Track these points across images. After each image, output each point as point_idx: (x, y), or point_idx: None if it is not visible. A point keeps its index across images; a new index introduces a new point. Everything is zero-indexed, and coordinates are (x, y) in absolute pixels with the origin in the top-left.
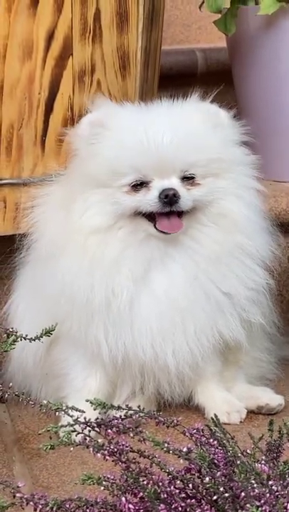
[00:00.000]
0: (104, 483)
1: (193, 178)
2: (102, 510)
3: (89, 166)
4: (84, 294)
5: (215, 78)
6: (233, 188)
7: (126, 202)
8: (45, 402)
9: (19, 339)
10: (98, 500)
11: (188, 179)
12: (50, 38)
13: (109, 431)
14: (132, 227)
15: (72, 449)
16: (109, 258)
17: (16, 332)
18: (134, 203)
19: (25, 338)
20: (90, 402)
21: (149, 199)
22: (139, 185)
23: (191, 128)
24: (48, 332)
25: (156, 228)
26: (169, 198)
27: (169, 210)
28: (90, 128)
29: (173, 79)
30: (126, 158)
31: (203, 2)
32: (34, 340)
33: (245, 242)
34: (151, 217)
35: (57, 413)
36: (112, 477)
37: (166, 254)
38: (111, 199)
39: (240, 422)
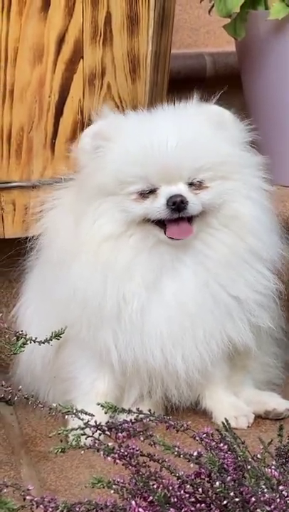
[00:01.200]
0: (114, 486)
1: (200, 182)
2: None
3: (96, 179)
4: (96, 299)
5: (223, 82)
6: (242, 189)
7: (134, 210)
8: (54, 404)
9: (28, 342)
10: (108, 503)
11: (195, 184)
12: (60, 41)
13: (119, 434)
14: (142, 234)
15: (82, 452)
16: (121, 265)
17: (26, 335)
18: (142, 211)
19: (34, 341)
20: (101, 406)
21: (156, 206)
22: (146, 193)
23: (195, 132)
24: (57, 335)
25: (166, 235)
26: (177, 205)
27: (177, 217)
28: (92, 141)
29: (181, 82)
30: (131, 169)
31: (212, 6)
32: (44, 343)
33: (255, 244)
34: (161, 223)
35: (65, 416)
36: (122, 481)
37: (177, 259)
38: (120, 207)
39: (248, 426)
